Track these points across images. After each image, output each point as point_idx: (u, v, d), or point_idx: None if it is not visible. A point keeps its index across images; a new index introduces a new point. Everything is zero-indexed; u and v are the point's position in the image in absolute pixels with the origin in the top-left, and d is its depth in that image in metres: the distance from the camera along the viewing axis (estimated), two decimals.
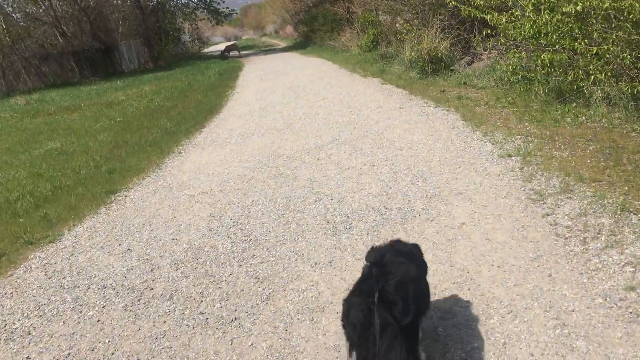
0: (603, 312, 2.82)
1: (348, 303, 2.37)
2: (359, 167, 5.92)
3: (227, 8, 33.10)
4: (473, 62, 12.04)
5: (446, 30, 12.57)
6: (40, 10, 25.25)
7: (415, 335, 2.33)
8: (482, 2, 8.69)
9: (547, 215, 4.07)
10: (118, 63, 27.34)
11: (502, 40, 8.14)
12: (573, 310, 2.87)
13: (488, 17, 8.49)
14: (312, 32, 28.92)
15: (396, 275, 2.35)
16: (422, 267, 2.71)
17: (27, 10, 26.16)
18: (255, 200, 5.28)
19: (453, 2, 8.94)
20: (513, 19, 7.73)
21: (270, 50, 37.43)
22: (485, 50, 10.27)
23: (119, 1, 28.21)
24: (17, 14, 25.94)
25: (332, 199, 5.00)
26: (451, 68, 12.00)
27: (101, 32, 25.95)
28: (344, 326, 2.35)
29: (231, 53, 31.80)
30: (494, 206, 4.35)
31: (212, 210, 5.17)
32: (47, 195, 6.45)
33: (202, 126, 9.95)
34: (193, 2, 30.98)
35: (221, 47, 56.47)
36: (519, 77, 8.51)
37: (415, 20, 13.52)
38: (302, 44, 32.00)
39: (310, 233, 4.30)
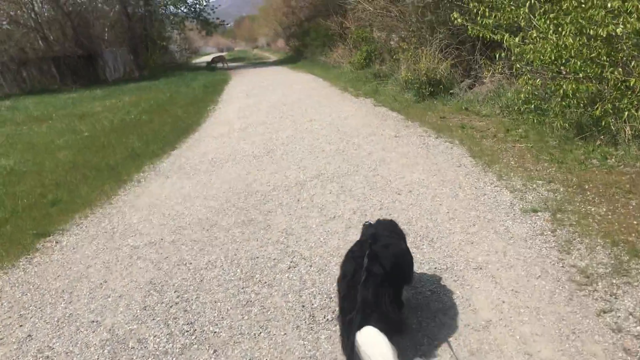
0: None
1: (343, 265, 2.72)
2: (348, 216, 4.73)
3: (217, 19, 31.97)
4: (474, 85, 10.97)
5: (445, 50, 11.51)
6: (22, 13, 23.94)
7: (399, 292, 2.72)
8: (490, 22, 7.63)
9: (604, 312, 2.91)
10: (102, 71, 26.04)
11: (517, 66, 7.03)
12: None
13: (497, 37, 7.45)
14: (304, 46, 27.89)
15: (384, 242, 2.74)
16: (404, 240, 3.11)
17: (11, 14, 24.87)
18: (213, 261, 4.05)
19: (459, 20, 7.83)
20: (530, 40, 6.65)
21: (260, 63, 36.28)
22: (499, 73, 9.18)
23: (105, 7, 26.97)
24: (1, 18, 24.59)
25: (311, 266, 3.80)
26: (451, 91, 10.92)
27: (85, 38, 24.65)
28: (338, 283, 2.64)
29: (218, 65, 30.67)
30: (527, 293, 3.17)
31: (155, 273, 3.94)
32: None
33: (172, 147, 8.72)
34: (182, 11, 29.86)
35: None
36: (532, 106, 7.42)
37: (413, 39, 12.43)
38: (293, 59, 30.94)
39: (277, 325, 3.08)
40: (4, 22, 24.01)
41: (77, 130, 11.43)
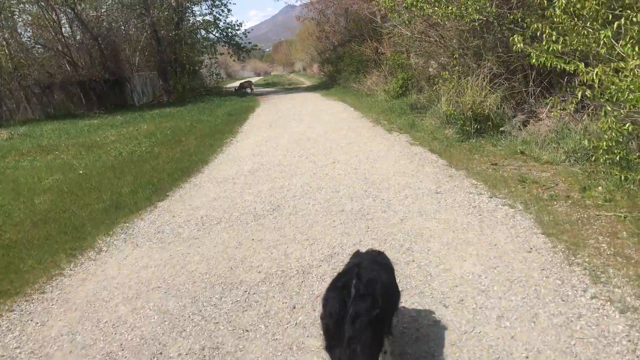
0: None
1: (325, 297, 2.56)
2: None
3: (249, 43, 30.78)
4: (528, 122, 9.10)
5: (494, 81, 9.69)
6: (49, 35, 23.20)
7: (382, 327, 2.52)
8: (559, 47, 5.88)
9: None
10: (129, 95, 25.05)
11: (609, 107, 5.20)
12: None
13: (569, 67, 5.70)
14: (337, 72, 26.37)
15: (369, 276, 2.57)
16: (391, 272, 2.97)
17: (41, 40, 24.25)
18: None
19: (519, 46, 6.07)
20: (627, 73, 4.83)
21: (293, 88, 34.82)
22: (561, 109, 7.35)
23: (134, 31, 26.11)
24: (30, 42, 23.94)
25: None
26: (501, 129, 9.08)
27: (112, 62, 23.73)
28: (321, 318, 2.49)
29: (247, 90, 29.39)
30: None
31: None
32: None
33: (163, 196, 7.13)
34: (214, 35, 28.75)
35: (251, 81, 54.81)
36: (616, 157, 5.56)
37: (456, 67, 10.65)
38: (326, 84, 29.44)
39: None
40: (31, 45, 23.33)
41: (74, 167, 10.03)
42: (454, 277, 3.74)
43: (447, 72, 9.88)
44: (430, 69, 16.40)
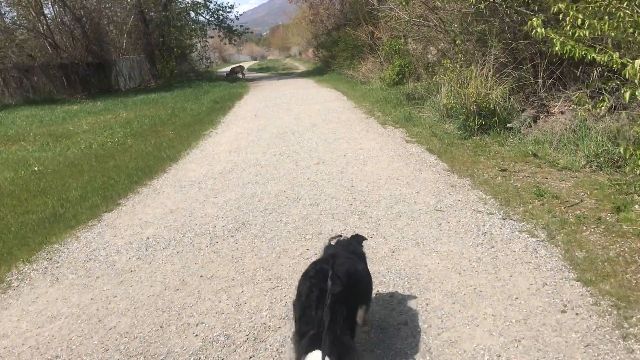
0: None
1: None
2: None
3: (241, 26, 29.23)
4: (538, 117, 7.96)
5: (502, 71, 8.51)
6: (28, 15, 21.78)
7: (353, 313, 2.43)
8: (586, 32, 4.76)
9: None
10: (115, 80, 23.69)
11: None
12: None
13: (601, 58, 4.57)
14: (332, 57, 25.04)
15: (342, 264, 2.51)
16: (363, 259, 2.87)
17: (23, 22, 22.84)
18: None
19: (539, 31, 4.91)
20: None
21: (286, 74, 33.27)
22: (576, 104, 6.22)
23: (121, 11, 24.64)
24: (8, 22, 22.50)
25: None
26: (508, 125, 7.94)
27: (96, 44, 22.34)
28: (293, 304, 2.43)
29: (238, 75, 28.01)
30: None
31: None
32: None
33: (113, 205, 5.96)
34: (204, 17, 27.22)
35: (246, 65, 53.26)
36: None
37: (459, 55, 9.45)
38: (320, 70, 28.08)
39: None
40: (10, 25, 21.91)
41: (31, 162, 8.85)
42: (463, 357, 2.62)
43: (448, 60, 8.67)
44: (429, 56, 15.19)
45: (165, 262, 4.14)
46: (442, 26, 11.28)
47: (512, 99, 8.21)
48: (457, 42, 9.63)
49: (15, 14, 23.63)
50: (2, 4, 23.20)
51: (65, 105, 18.96)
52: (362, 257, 2.86)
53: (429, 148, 7.53)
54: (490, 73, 8.40)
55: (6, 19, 22.24)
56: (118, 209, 5.78)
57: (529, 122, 7.80)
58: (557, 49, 4.79)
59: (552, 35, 4.80)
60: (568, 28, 4.87)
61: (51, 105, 19.16)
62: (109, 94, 22.04)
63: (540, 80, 8.09)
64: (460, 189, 5.43)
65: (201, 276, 3.82)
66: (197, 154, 8.65)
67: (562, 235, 4.00)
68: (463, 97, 8.30)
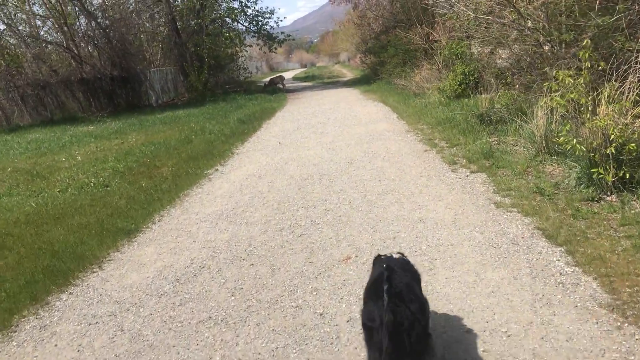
0: None
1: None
2: None
3: (282, 33, 26.35)
4: None
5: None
6: (52, 31, 19.71)
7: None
8: None
9: None
10: (144, 94, 21.25)
11: None
12: None
13: None
14: (380, 64, 21.78)
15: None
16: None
17: (42, 35, 20.84)
18: None
19: None
20: None
21: (331, 83, 30.00)
22: None
23: (150, 20, 22.27)
24: (28, 38, 20.46)
25: None
26: None
27: (122, 57, 19.96)
28: (364, 326, 2.33)
29: (279, 85, 25.19)
30: None
31: None
32: None
33: (38, 308, 3.07)
34: (242, 25, 24.47)
35: (293, 73, 50.62)
36: None
37: (586, 64, 6.07)
38: (367, 78, 24.78)
39: None
40: (28, 36, 19.87)
41: None
42: None
43: (566, 72, 5.27)
44: (499, 61, 11.79)
45: None
46: (521, 22, 7.95)
47: None
48: (566, 41, 6.24)
49: (45, 28, 21.75)
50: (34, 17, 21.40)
51: (82, 125, 16.66)
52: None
53: (541, 226, 4.25)
54: (633, 96, 5.04)
55: (23, 32, 20.23)
56: (73, 294, 2.87)
57: None
58: None
59: None
60: None
61: (69, 125, 16.93)
62: (137, 109, 19.60)
63: None
64: (631, 347, 2.17)
65: None
66: (173, 222, 5.67)
67: None
68: (589, 132, 4.97)
